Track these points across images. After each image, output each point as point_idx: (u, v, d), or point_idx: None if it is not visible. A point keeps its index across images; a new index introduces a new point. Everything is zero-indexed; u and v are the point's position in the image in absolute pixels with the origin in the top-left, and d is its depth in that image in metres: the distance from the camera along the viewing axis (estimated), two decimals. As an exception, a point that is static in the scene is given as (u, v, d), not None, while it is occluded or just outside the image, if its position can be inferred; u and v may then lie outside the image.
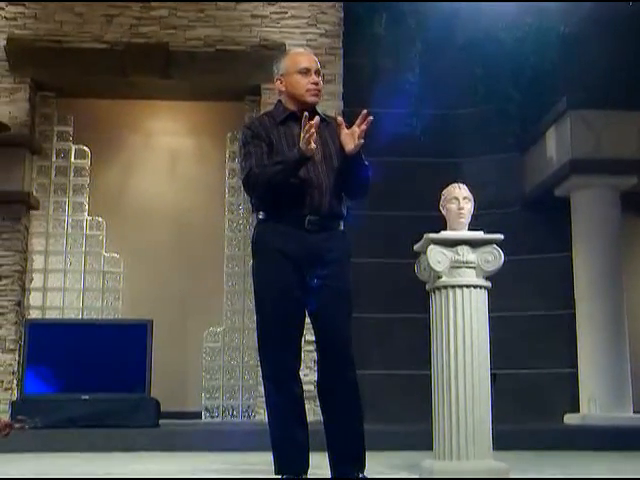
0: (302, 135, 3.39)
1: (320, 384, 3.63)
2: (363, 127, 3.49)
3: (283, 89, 3.70)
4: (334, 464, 3.60)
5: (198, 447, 6.20)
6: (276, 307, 3.53)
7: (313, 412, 3.92)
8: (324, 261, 3.55)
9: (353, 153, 3.52)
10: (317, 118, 3.41)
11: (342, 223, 3.69)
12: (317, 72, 3.70)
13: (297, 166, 3.46)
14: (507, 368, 7.82)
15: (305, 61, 3.70)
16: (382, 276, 8.57)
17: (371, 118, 3.49)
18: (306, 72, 3.67)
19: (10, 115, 8.35)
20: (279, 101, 3.76)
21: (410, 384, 8.08)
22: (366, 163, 3.61)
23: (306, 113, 3.43)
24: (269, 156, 3.56)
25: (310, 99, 3.66)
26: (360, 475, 3.54)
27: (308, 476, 3.59)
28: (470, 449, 3.74)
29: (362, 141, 3.50)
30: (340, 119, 3.56)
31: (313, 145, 3.38)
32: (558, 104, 8.16)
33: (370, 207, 8.74)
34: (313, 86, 3.67)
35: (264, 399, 3.65)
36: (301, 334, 3.61)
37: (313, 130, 3.36)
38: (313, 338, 3.62)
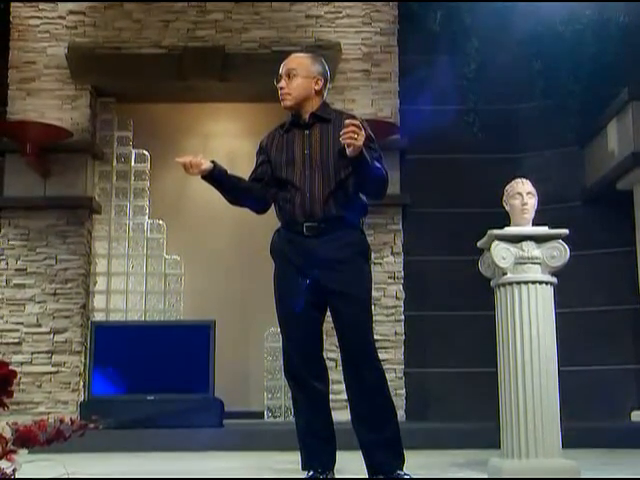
0: None
1: (345, 386, 3.66)
2: (346, 137, 3.34)
3: None
4: (365, 453, 3.59)
5: (263, 446, 6.24)
6: (287, 311, 3.66)
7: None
8: (328, 264, 3.56)
9: (351, 156, 3.42)
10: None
11: (351, 224, 3.63)
12: (287, 74, 3.66)
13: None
14: (572, 365, 7.71)
15: (280, 67, 3.72)
16: (445, 274, 8.51)
17: (352, 127, 3.32)
18: (280, 80, 3.70)
19: (72, 121, 8.50)
20: None
21: (473, 382, 8.02)
22: (376, 165, 3.51)
23: None
24: (266, 165, 3.84)
25: (282, 104, 3.71)
26: (399, 472, 3.50)
27: (335, 473, 3.64)
28: (539, 447, 3.70)
29: (351, 149, 3.35)
30: (347, 122, 3.37)
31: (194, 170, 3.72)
32: (619, 95, 8.00)
33: (432, 204, 8.74)
34: (280, 91, 3.70)
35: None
36: (317, 335, 3.67)
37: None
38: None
